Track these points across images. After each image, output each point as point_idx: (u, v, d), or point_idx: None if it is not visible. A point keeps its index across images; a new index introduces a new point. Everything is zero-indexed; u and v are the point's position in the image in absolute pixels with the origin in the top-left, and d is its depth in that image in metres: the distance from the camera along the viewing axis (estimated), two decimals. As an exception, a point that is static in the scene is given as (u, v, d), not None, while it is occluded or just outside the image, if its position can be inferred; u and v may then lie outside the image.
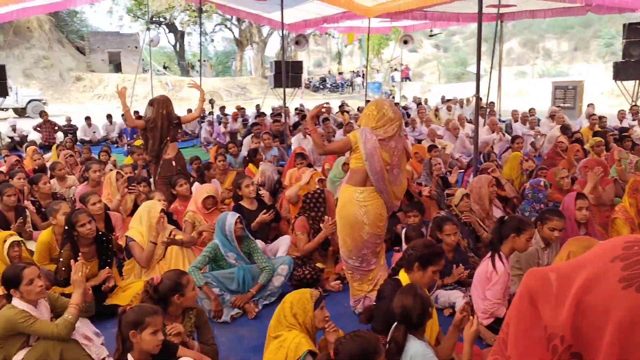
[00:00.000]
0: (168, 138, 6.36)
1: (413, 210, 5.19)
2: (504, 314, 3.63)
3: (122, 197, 6.04)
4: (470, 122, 13.24)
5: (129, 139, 13.29)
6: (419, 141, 10.60)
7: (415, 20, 16.41)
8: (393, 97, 25.25)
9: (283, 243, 5.28)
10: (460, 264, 4.22)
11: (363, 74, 36.34)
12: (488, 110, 13.19)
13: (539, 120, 12.65)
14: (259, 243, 4.91)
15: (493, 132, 10.77)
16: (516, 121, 12.50)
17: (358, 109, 17.55)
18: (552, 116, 12.24)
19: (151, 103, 6.43)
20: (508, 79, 29.35)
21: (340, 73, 41.42)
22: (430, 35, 22.21)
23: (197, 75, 32.43)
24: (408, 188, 6.36)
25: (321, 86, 38.67)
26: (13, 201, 5.46)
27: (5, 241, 4.06)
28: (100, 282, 4.27)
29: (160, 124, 6.29)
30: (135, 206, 5.91)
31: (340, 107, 17.43)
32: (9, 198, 5.42)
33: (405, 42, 18.51)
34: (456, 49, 58.06)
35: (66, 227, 4.28)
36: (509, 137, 10.23)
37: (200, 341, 3.27)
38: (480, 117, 8.43)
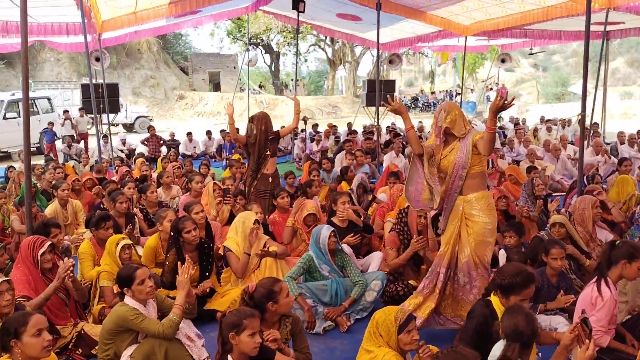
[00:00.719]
0: (267, 152, 6.56)
1: (510, 230, 5.01)
2: (607, 343, 3.42)
3: (218, 206, 6.30)
4: (572, 143, 12.65)
5: (227, 153, 13.85)
6: (517, 162, 10.24)
7: (514, 39, 15.98)
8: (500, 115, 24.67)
9: (374, 259, 5.28)
10: (565, 290, 4.02)
11: (456, 93, 35.69)
12: (592, 131, 12.53)
13: (648, 143, 11.84)
14: (346, 248, 4.94)
15: (597, 154, 10.23)
16: (622, 143, 11.80)
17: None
18: (663, 139, 11.44)
19: (251, 120, 6.67)
20: (613, 99, 27.72)
21: (432, 92, 40.95)
22: (530, 54, 21.46)
23: (291, 94, 33.32)
24: (508, 209, 6.19)
25: (412, 105, 38.40)
26: (124, 208, 5.89)
27: (117, 244, 4.37)
28: (201, 292, 4.47)
29: (259, 139, 6.51)
30: (232, 216, 6.15)
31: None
32: (120, 205, 5.86)
33: (503, 61, 18.00)
34: (556, 69, 55.55)
35: (172, 233, 4.55)
36: (615, 160, 9.69)
37: (295, 349, 3.33)
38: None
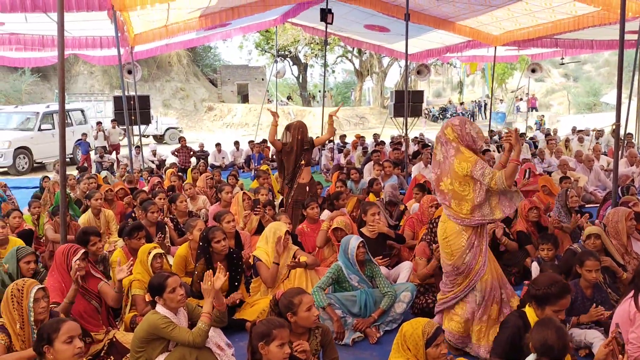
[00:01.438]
0: (302, 162, 6.57)
1: (547, 243, 4.90)
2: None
3: (246, 218, 6.34)
4: (604, 154, 12.39)
5: (256, 164, 13.95)
6: (549, 173, 10.07)
7: (544, 48, 15.77)
8: (542, 125, 24.45)
9: (404, 269, 5.23)
10: (600, 303, 3.92)
11: (485, 104, 35.35)
12: (626, 142, 12.25)
13: (685, 153, 11.52)
14: (382, 268, 4.90)
15: (632, 165, 10.00)
16: (658, 154, 11.48)
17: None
18: (701, 149, 11.13)
19: (288, 128, 6.69)
20: (646, 109, 27.02)
21: (461, 103, 40.65)
22: (561, 64, 21.14)
23: (318, 106, 33.45)
24: (540, 220, 6.07)
25: (441, 116, 38.17)
26: (155, 217, 5.98)
27: (149, 253, 4.42)
28: (231, 303, 4.48)
29: (295, 148, 6.53)
30: (260, 225, 6.17)
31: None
32: (152, 215, 5.94)
33: (533, 71, 17.74)
34: (587, 78, 54.54)
35: (201, 243, 4.58)
36: (651, 171, 9.45)
37: (325, 360, 3.31)
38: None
